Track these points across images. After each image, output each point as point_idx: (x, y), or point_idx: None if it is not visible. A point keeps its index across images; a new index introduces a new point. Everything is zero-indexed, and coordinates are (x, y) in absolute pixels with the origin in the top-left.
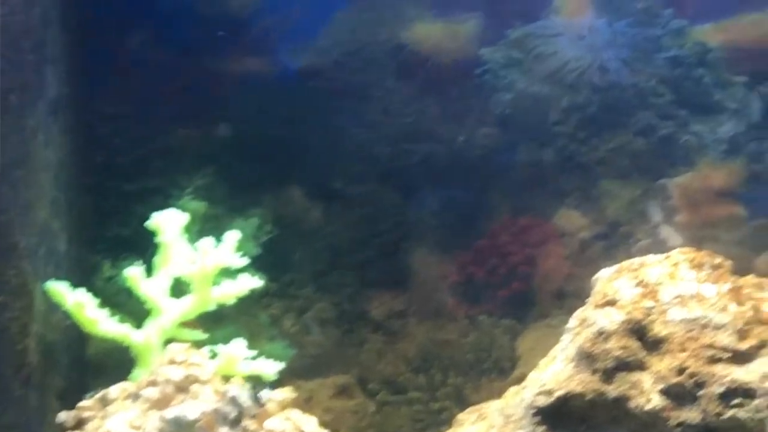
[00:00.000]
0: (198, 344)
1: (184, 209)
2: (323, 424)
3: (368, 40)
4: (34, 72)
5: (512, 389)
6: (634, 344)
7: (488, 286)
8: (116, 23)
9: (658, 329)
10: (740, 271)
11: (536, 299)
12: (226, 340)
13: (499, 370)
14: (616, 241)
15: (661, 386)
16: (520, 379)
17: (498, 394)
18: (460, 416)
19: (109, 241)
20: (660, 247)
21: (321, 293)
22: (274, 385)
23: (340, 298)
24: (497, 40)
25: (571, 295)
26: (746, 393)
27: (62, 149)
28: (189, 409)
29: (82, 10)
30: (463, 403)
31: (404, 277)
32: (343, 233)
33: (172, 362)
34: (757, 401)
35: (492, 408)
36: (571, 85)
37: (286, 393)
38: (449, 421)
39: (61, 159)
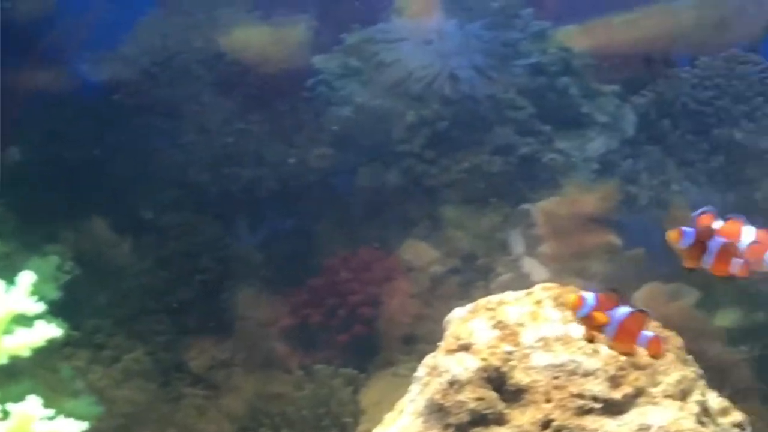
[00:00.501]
0: None
1: None
2: None
3: (180, 47)
4: None
5: None
6: (492, 395)
7: (326, 330)
8: None
9: (520, 377)
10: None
11: (381, 345)
12: (20, 398)
13: (339, 428)
14: (472, 276)
15: None
16: None
17: None
18: None
19: None
20: (523, 282)
21: (132, 341)
22: None
23: (154, 347)
24: (332, 46)
25: (420, 340)
26: None
27: None
28: None
29: None
30: None
31: (228, 321)
32: (156, 271)
33: None
34: None
35: None
36: (417, 97)
37: None
38: None
39: None
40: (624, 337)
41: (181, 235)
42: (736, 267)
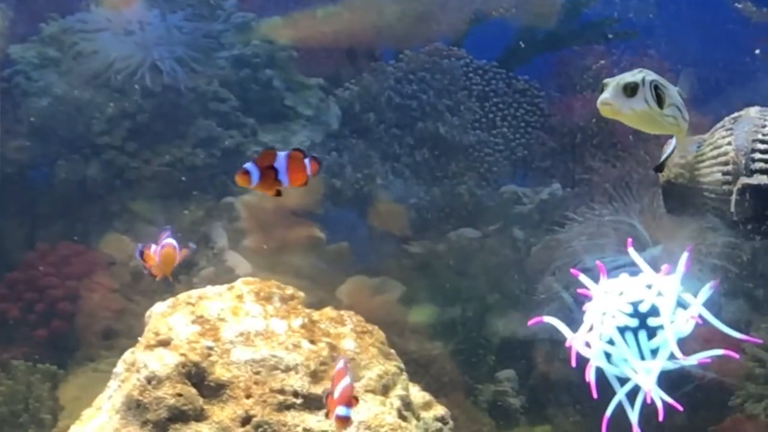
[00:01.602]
0: None
1: None
2: None
3: None
4: None
5: None
6: (191, 391)
7: (23, 325)
8: None
9: (220, 372)
10: (318, 302)
11: (81, 340)
12: None
13: (38, 425)
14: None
15: None
16: None
17: None
18: None
19: None
20: (226, 276)
21: None
22: None
23: None
24: (29, 35)
25: (122, 335)
26: None
27: None
28: None
29: None
30: None
31: None
32: None
33: None
34: None
35: None
36: (118, 89)
37: None
38: None
39: None
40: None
41: None
42: None
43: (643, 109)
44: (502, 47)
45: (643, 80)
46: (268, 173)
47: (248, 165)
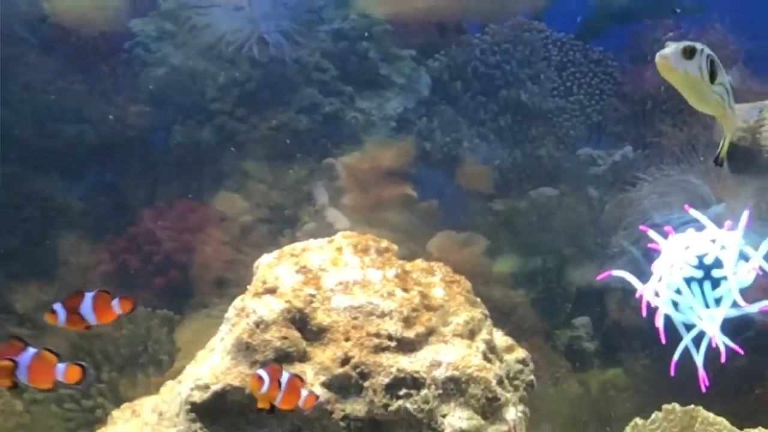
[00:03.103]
0: None
1: None
2: None
3: (5, 10)
4: None
5: (168, 384)
6: (296, 334)
7: (143, 274)
8: None
9: (321, 318)
10: (410, 255)
11: (195, 288)
12: None
13: (156, 364)
14: (280, 225)
15: (324, 378)
16: (178, 373)
17: (156, 389)
18: (115, 413)
19: None
20: (326, 230)
21: None
22: None
23: None
24: (148, 10)
25: (232, 284)
26: (414, 383)
27: None
28: None
29: None
30: (118, 400)
31: (52, 266)
32: None
33: None
34: (424, 392)
35: (146, 404)
36: (228, 59)
37: None
38: (103, 420)
39: None
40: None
41: (7, 186)
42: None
43: (695, 75)
44: (578, 21)
45: (702, 50)
46: (74, 316)
47: (56, 305)
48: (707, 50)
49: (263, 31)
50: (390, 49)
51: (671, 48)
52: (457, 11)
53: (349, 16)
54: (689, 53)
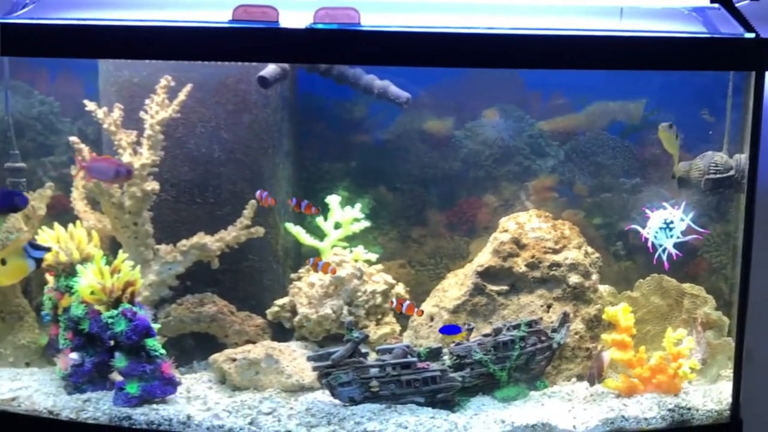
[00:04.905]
0: None
1: None
2: None
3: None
4: (276, 138)
5: (467, 266)
6: (514, 246)
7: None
8: None
9: (525, 240)
10: (557, 217)
11: (480, 228)
12: None
13: (463, 257)
14: (508, 208)
15: (525, 262)
16: (469, 262)
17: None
18: (449, 274)
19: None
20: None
21: None
22: None
23: None
24: None
25: (491, 229)
26: (558, 264)
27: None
28: None
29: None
30: (450, 268)
31: None
32: None
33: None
34: (562, 268)
35: (459, 272)
36: None
37: None
38: (443, 276)
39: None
40: None
41: None
42: None
43: (671, 135)
44: None
45: (672, 125)
46: None
47: None
48: (674, 126)
49: None
50: None
51: (665, 124)
52: None
53: None
54: (670, 126)
